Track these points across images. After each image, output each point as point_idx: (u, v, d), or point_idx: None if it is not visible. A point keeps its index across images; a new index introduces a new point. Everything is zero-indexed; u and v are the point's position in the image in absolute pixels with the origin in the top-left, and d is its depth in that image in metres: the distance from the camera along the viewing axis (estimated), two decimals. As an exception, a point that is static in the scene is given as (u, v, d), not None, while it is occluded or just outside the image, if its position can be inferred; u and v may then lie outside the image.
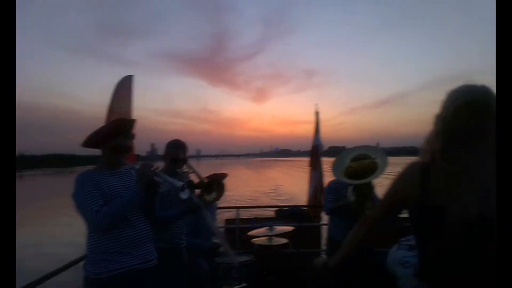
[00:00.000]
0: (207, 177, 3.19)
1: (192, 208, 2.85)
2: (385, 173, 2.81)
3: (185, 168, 3.04)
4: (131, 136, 2.39)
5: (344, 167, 3.00)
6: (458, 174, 1.31)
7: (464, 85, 1.34)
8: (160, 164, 2.76)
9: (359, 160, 2.97)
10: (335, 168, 3.06)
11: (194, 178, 2.99)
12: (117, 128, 2.33)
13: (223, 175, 3.58)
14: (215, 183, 3.11)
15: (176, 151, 2.98)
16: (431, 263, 1.38)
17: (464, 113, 1.27)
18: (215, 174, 3.57)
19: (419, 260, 1.46)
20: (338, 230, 3.51)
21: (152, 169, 2.29)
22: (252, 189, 28.83)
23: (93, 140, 2.33)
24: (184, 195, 2.38)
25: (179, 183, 2.34)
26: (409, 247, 2.90)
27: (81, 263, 2.34)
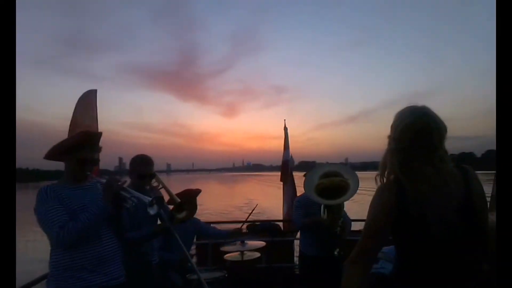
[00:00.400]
0: (179, 195, 3.14)
1: (162, 229, 2.80)
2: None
3: (154, 183, 2.97)
4: (98, 149, 2.32)
5: (315, 183, 3.10)
6: (418, 184, 1.43)
7: (406, 108, 1.53)
8: (127, 179, 2.69)
9: (330, 177, 3.07)
10: (306, 184, 3.14)
11: (164, 193, 2.93)
12: (83, 140, 2.26)
13: (197, 191, 3.54)
14: (187, 202, 3.05)
15: (142, 167, 2.87)
16: (414, 270, 1.46)
17: (409, 132, 1.47)
18: (188, 189, 3.52)
19: (398, 268, 1.54)
20: (308, 245, 3.55)
21: (119, 183, 2.23)
22: (225, 203, 28.64)
23: (57, 152, 2.25)
24: (152, 210, 2.30)
25: (147, 198, 2.27)
26: None
27: (46, 280, 2.24)
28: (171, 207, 2.99)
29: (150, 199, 2.28)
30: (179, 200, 3.00)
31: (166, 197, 2.93)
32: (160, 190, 3.04)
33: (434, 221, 1.38)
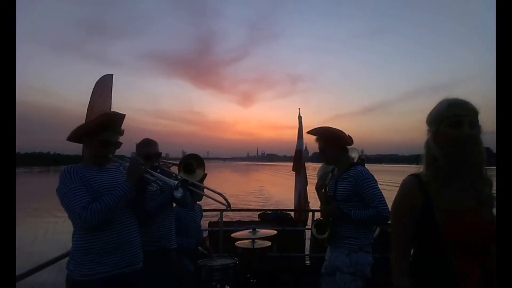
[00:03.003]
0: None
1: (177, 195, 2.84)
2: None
3: (162, 165, 3.04)
4: (120, 132, 2.28)
5: None
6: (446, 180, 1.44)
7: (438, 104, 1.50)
8: None
9: None
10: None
11: (174, 170, 3.03)
12: (106, 122, 2.23)
13: (203, 175, 3.65)
14: (194, 160, 3.21)
15: (147, 147, 2.93)
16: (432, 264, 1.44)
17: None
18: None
19: (415, 263, 1.50)
20: None
21: (143, 166, 2.21)
22: (238, 188, 29.60)
23: (80, 133, 2.23)
24: (178, 193, 2.28)
25: (172, 182, 2.25)
26: None
27: (63, 260, 2.27)
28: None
29: (175, 182, 2.25)
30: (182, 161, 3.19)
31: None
32: (171, 168, 3.14)
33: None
